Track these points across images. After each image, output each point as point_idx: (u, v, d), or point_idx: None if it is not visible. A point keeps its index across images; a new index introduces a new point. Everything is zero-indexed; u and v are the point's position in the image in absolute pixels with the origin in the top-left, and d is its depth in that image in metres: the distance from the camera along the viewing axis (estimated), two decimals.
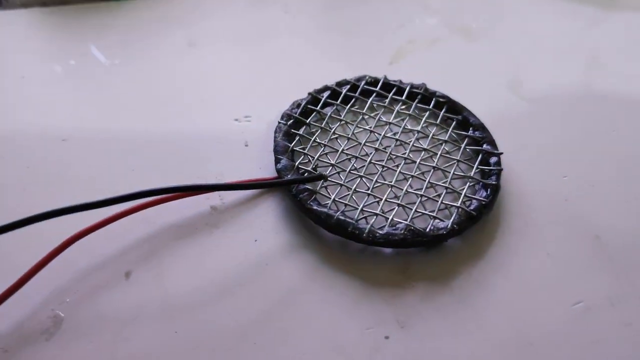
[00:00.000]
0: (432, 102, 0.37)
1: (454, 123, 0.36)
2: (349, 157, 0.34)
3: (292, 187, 0.32)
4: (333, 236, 0.31)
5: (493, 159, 0.34)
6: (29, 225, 0.27)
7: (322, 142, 0.35)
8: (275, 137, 0.35)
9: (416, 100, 0.38)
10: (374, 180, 0.33)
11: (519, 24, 0.46)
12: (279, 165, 0.33)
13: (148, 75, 0.41)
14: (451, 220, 0.31)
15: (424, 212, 0.32)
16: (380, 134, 0.36)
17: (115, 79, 0.40)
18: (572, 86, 0.41)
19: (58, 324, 0.28)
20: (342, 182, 0.33)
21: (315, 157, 0.34)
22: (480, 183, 0.33)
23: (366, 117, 0.37)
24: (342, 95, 0.37)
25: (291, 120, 0.36)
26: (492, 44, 0.44)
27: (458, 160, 0.34)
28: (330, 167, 0.34)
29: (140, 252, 0.31)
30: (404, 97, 0.38)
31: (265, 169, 0.35)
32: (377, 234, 0.30)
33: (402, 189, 0.32)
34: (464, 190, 0.32)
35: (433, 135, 0.36)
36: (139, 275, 0.30)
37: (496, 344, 0.28)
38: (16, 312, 0.28)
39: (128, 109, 0.38)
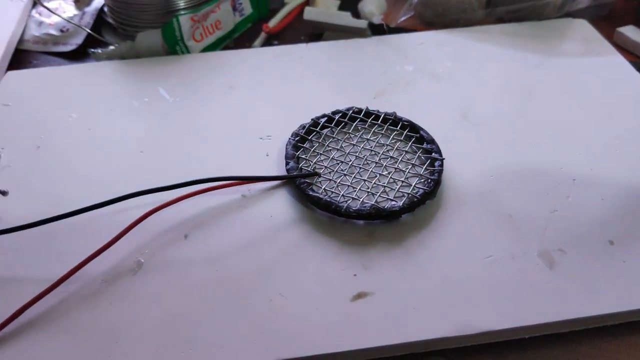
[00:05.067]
0: (399, 125, 0.52)
1: (413, 139, 0.51)
2: (338, 162, 0.49)
3: (296, 181, 0.47)
4: (323, 213, 0.46)
5: (437, 162, 0.48)
6: (122, 202, 0.44)
7: (319, 152, 0.50)
8: (286, 148, 0.50)
9: (388, 124, 0.52)
10: (353, 176, 0.48)
11: (475, 69, 0.61)
12: (288, 167, 0.48)
13: (200, 109, 0.57)
14: (402, 202, 0.45)
15: (386, 197, 0.46)
16: (360, 146, 0.50)
17: (177, 112, 0.56)
18: (508, 113, 0.55)
19: (140, 265, 0.43)
20: (330, 178, 0.48)
21: (313, 162, 0.49)
22: (428, 179, 0.47)
23: (352, 135, 0.52)
24: (335, 120, 0.53)
25: (298, 137, 0.51)
26: (452, 84, 0.59)
27: (413, 164, 0.49)
28: (324, 168, 0.49)
29: (194, 222, 0.46)
30: (379, 122, 0.52)
31: (280, 172, 0.50)
32: (351, 210, 0.44)
33: (372, 182, 0.47)
34: (414, 183, 0.47)
35: (397, 147, 0.50)
36: (193, 237, 0.45)
37: (429, 281, 0.41)
38: (112, 258, 0.43)
39: (185, 132, 0.54)
